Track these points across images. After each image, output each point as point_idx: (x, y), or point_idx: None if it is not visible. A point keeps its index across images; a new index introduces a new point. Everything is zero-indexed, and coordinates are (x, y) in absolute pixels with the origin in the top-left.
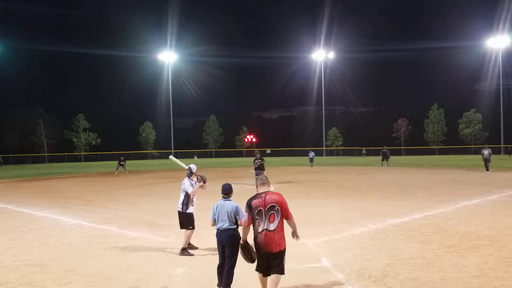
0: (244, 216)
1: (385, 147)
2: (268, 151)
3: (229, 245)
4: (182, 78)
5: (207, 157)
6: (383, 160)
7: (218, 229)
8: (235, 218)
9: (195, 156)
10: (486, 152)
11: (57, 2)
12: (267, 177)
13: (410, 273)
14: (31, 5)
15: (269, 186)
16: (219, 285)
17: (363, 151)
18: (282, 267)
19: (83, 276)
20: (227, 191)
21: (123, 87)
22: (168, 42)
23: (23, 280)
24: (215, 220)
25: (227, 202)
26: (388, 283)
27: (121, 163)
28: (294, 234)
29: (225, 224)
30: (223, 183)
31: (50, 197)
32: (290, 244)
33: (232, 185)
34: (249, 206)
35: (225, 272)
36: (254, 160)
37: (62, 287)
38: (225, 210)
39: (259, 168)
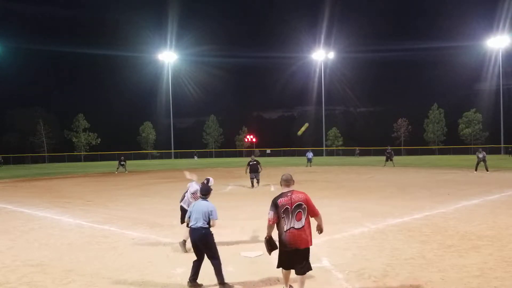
0: (216, 216)
1: (389, 147)
2: (268, 151)
3: (204, 246)
4: (182, 78)
5: (207, 157)
6: (387, 160)
7: (191, 227)
8: (209, 218)
9: (195, 157)
10: (481, 155)
11: (57, 2)
12: (291, 176)
13: (410, 273)
14: (31, 5)
15: (293, 185)
16: (190, 279)
17: (357, 151)
18: (309, 264)
19: (83, 276)
20: (205, 192)
21: (123, 87)
22: (168, 42)
23: (23, 280)
24: (190, 218)
25: (204, 202)
26: (388, 283)
27: (122, 163)
28: (319, 227)
29: (198, 223)
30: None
31: (50, 197)
32: None
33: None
34: (275, 204)
35: (214, 264)
36: (249, 162)
37: (62, 287)
38: (201, 209)
39: (252, 171)
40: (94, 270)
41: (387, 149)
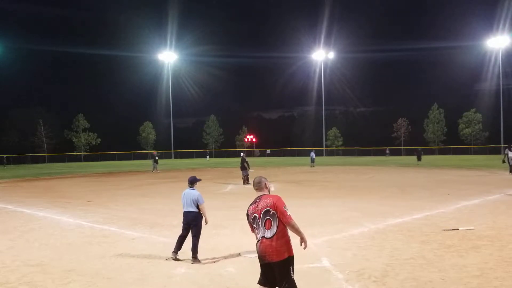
0: (202, 201)
1: (419, 147)
2: (268, 151)
3: (193, 223)
4: (182, 78)
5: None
6: (418, 159)
7: (184, 211)
8: (197, 204)
9: (207, 156)
10: (511, 153)
11: (57, 2)
12: (263, 179)
13: (410, 273)
14: (31, 5)
15: (266, 189)
16: (175, 251)
17: (387, 151)
18: (291, 281)
19: (83, 276)
20: (191, 182)
21: (123, 87)
22: (168, 42)
23: (23, 280)
24: (183, 204)
25: (192, 191)
26: (388, 283)
27: (156, 158)
28: (301, 241)
29: (190, 208)
30: (190, 176)
31: (50, 197)
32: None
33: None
34: (246, 213)
35: (193, 241)
36: (246, 160)
37: (62, 287)
38: (191, 197)
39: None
40: (94, 270)
41: (420, 150)
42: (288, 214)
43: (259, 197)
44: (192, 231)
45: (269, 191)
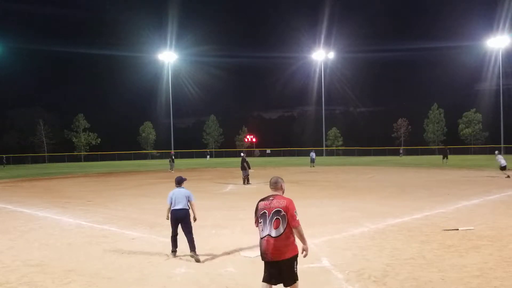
0: (193, 199)
1: (446, 147)
2: (268, 151)
3: (183, 220)
4: (182, 78)
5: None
6: (443, 158)
7: (174, 209)
8: (188, 201)
9: (207, 156)
10: None
11: (57, 2)
12: (280, 180)
13: (410, 273)
14: (31, 5)
15: (281, 190)
16: (173, 251)
17: (400, 151)
18: (294, 275)
19: (83, 276)
20: (178, 182)
21: (123, 87)
22: (168, 42)
23: (23, 280)
24: (171, 203)
25: (182, 189)
26: (388, 283)
27: (173, 157)
28: (303, 249)
29: (180, 205)
30: (177, 176)
31: (50, 197)
32: None
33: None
34: (256, 207)
35: (189, 238)
36: (246, 160)
37: (62, 287)
38: (182, 194)
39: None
40: (94, 270)
41: (447, 149)
42: (297, 219)
43: (273, 196)
44: (184, 229)
45: (283, 192)
